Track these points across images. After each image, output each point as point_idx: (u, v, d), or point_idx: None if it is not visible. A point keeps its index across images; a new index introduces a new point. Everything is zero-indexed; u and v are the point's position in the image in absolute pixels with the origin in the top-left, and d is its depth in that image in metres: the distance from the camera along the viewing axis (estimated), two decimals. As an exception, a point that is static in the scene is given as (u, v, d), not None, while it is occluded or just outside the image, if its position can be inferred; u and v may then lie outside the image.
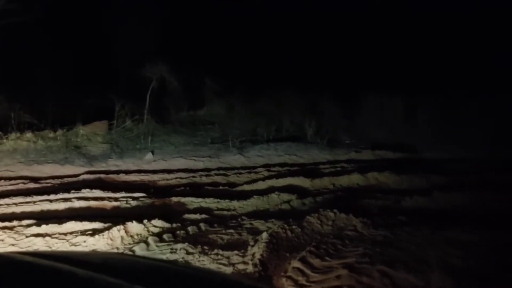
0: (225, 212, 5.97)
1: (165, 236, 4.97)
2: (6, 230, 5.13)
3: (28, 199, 6.25)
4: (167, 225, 5.29)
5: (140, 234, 5.06)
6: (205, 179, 7.59)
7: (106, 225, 5.24)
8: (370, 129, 10.96)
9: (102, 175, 7.73)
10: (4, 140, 9.16)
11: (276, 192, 6.48)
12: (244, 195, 6.52)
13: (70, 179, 7.53)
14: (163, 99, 12.18)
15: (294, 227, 5.03)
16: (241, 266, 4.25)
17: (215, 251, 4.58)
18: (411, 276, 3.79)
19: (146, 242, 4.80)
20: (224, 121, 11.83)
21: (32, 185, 7.13)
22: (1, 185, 7.06)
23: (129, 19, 12.69)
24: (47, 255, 1.76)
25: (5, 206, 6.00)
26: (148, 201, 6.32)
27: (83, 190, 6.59)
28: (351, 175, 7.31)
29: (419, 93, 11.43)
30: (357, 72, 12.50)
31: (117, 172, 7.99)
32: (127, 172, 8.00)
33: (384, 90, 11.62)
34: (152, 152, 9.05)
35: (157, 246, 4.76)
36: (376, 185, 7.03)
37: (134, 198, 6.36)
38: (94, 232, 5.08)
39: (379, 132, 10.78)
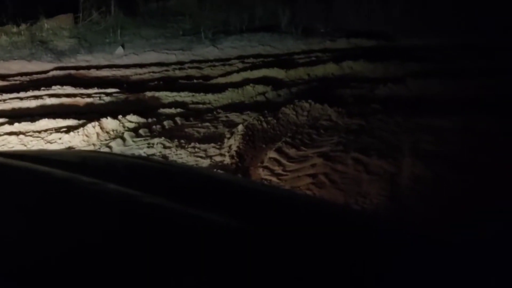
0: (200, 106, 5.95)
1: (141, 131, 4.98)
2: (-22, 130, 5.07)
3: (-2, 97, 6.12)
4: (142, 120, 5.28)
5: (116, 130, 5.05)
6: (178, 73, 7.45)
7: (81, 121, 5.21)
8: (346, 17, 10.72)
9: (72, 71, 7.53)
10: (-35, 37, 8.76)
11: (251, 84, 6.41)
12: (219, 88, 6.45)
13: (39, 76, 7.32)
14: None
15: (269, 118, 5.06)
16: (218, 158, 4.32)
17: (192, 144, 4.62)
18: (384, 162, 3.91)
19: (122, 138, 4.81)
20: (195, 12, 11.38)
21: (0, 83, 6.95)
22: (-32, 84, 6.87)
23: None
24: (22, 156, 1.73)
25: (-25, 105, 5.88)
26: (121, 96, 6.23)
27: (53, 87, 6.44)
28: (326, 64, 7.23)
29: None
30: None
31: (88, 67, 7.78)
32: (98, 67, 7.78)
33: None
34: (123, 46, 8.75)
35: (133, 141, 4.78)
36: (351, 74, 6.98)
37: (107, 94, 6.26)
38: (69, 129, 5.05)
39: (355, 21, 10.56)
